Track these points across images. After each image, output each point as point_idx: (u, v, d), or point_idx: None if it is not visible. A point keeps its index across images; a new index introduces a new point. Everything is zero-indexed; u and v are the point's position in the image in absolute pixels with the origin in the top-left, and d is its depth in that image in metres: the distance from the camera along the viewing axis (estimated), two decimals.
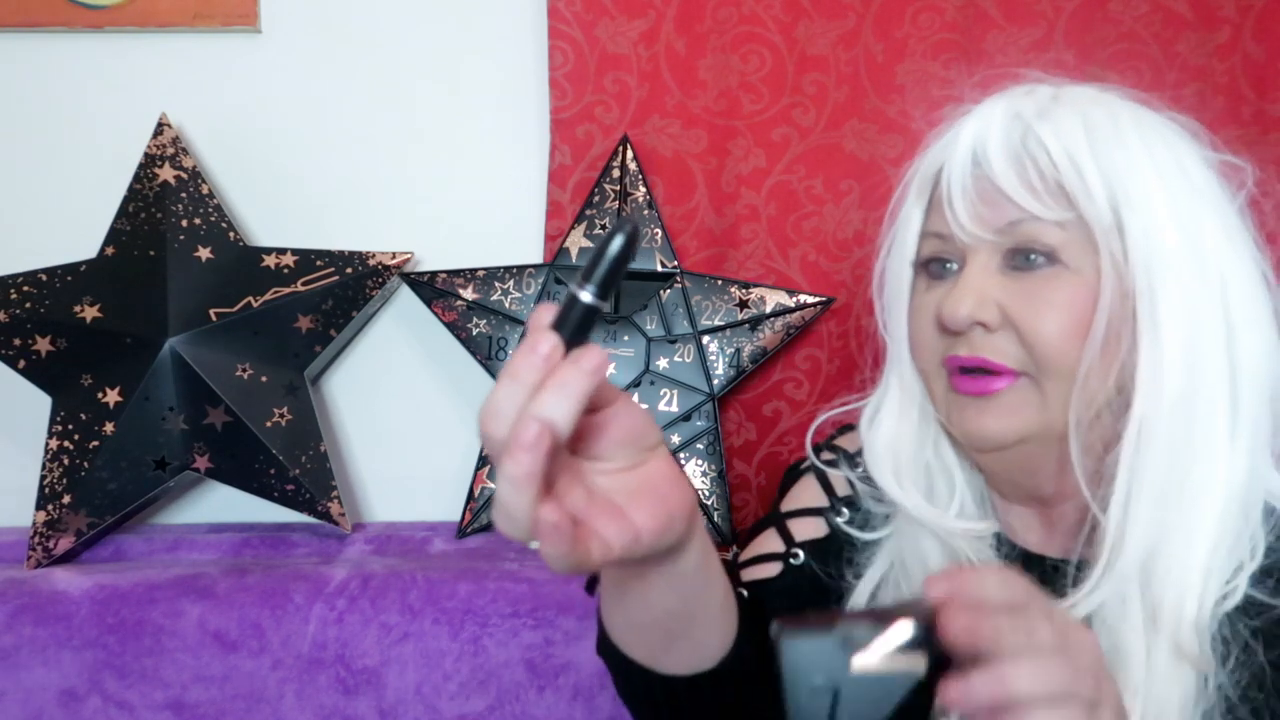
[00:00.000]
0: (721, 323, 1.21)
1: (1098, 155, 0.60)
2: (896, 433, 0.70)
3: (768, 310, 1.20)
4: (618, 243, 0.42)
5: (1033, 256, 0.61)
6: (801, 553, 0.75)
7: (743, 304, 1.21)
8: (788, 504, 0.80)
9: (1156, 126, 0.63)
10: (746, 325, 1.21)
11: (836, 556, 0.74)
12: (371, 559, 1.15)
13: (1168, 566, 0.58)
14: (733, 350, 1.21)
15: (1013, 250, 0.62)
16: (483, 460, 1.22)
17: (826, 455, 0.80)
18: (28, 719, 1.03)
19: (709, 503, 1.19)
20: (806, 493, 0.80)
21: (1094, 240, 0.60)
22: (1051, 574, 0.66)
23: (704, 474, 1.20)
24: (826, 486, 0.78)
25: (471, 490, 1.22)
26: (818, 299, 1.21)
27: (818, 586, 0.74)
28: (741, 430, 1.28)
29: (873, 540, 0.73)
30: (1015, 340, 0.62)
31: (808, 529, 0.77)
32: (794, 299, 1.20)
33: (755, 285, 1.21)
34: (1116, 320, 0.60)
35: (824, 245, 1.24)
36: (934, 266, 0.67)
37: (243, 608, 1.04)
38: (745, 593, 0.75)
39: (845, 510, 0.76)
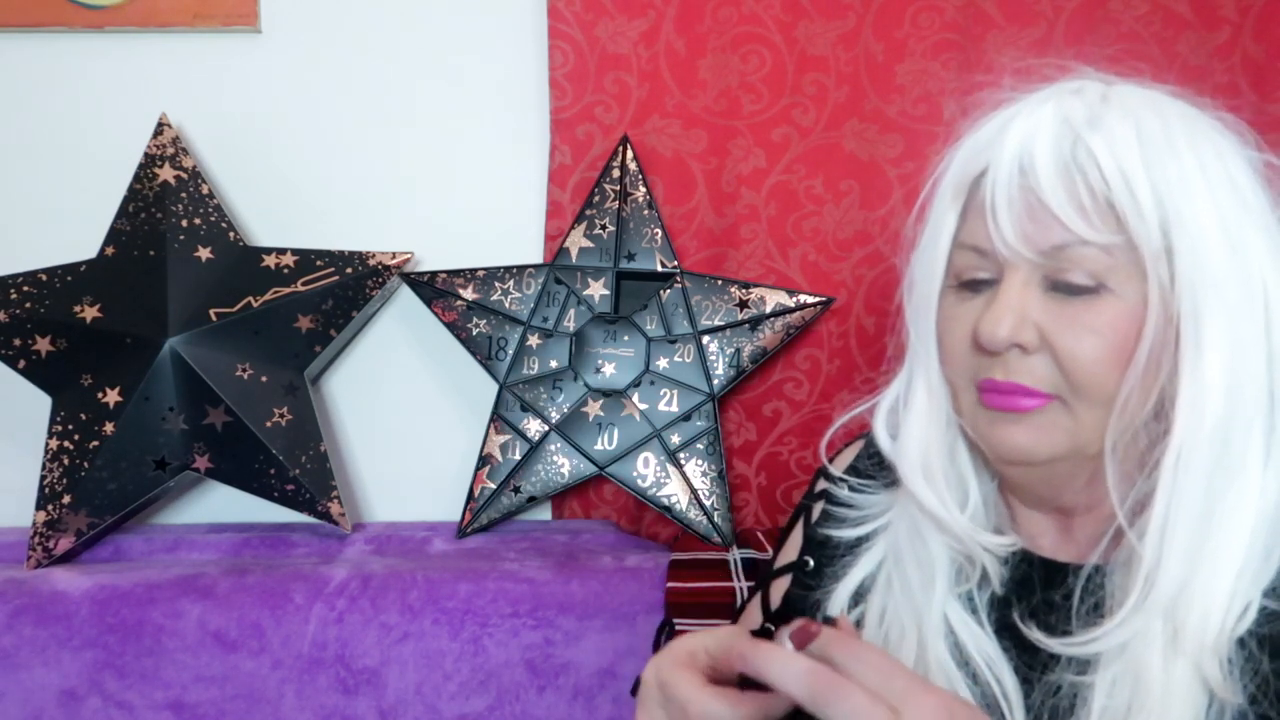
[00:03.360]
0: (721, 323, 1.21)
1: (1150, 170, 0.58)
2: (926, 439, 0.68)
3: (768, 310, 1.20)
4: None
5: (1077, 284, 0.59)
6: (772, 627, 0.77)
7: (743, 304, 1.21)
8: (779, 558, 0.81)
9: (1207, 132, 0.61)
10: (746, 325, 1.21)
11: (817, 575, 0.75)
12: (371, 559, 1.15)
13: (1194, 593, 0.57)
14: (733, 350, 1.21)
15: (1056, 274, 0.60)
16: (483, 460, 1.22)
17: (822, 485, 0.80)
18: (28, 719, 1.03)
19: (709, 503, 1.19)
20: (791, 541, 0.81)
21: (1139, 263, 0.58)
22: (1066, 579, 0.65)
23: (704, 474, 1.20)
24: (807, 522, 0.79)
25: (471, 490, 1.22)
26: (818, 299, 1.21)
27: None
28: (741, 430, 1.28)
29: (860, 537, 0.73)
30: (1051, 363, 0.60)
31: (781, 587, 0.79)
32: (794, 299, 1.20)
33: (755, 285, 1.21)
34: (1158, 346, 0.58)
35: (824, 245, 1.24)
36: (968, 279, 0.65)
37: (243, 608, 1.04)
38: (772, 627, 0.77)
39: (814, 548, 0.77)
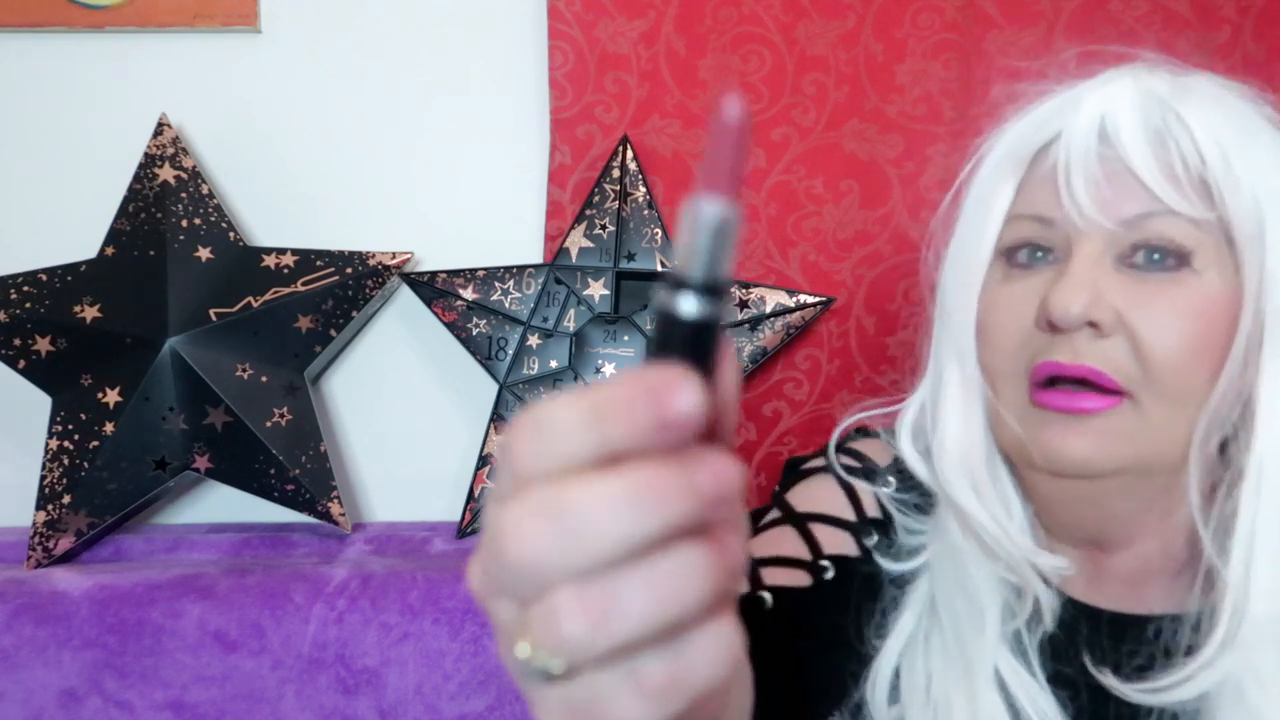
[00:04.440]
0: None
1: (1244, 150, 0.54)
2: (966, 440, 0.60)
3: (767, 310, 1.20)
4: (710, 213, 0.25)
5: (1160, 256, 0.54)
6: (831, 567, 0.64)
7: (742, 304, 1.21)
8: (804, 504, 0.68)
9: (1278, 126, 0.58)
10: (746, 325, 1.21)
11: (864, 588, 0.64)
12: (371, 559, 1.15)
13: None
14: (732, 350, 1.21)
15: (1136, 246, 0.54)
16: (482, 460, 1.22)
17: (846, 460, 0.69)
18: (28, 719, 1.03)
19: None
20: (826, 495, 0.68)
21: (1229, 246, 0.54)
22: (1125, 631, 0.58)
23: None
24: (854, 499, 0.67)
25: (471, 490, 1.22)
26: (818, 299, 1.21)
27: (844, 608, 0.62)
28: (741, 430, 1.28)
29: (904, 574, 0.63)
30: (1128, 350, 0.53)
31: (834, 541, 0.66)
32: (794, 299, 1.20)
33: (755, 285, 1.21)
34: (1253, 340, 0.53)
35: (824, 245, 1.24)
36: (1023, 254, 0.58)
37: (243, 608, 1.04)
38: (769, 596, 0.63)
39: (875, 534, 0.65)
